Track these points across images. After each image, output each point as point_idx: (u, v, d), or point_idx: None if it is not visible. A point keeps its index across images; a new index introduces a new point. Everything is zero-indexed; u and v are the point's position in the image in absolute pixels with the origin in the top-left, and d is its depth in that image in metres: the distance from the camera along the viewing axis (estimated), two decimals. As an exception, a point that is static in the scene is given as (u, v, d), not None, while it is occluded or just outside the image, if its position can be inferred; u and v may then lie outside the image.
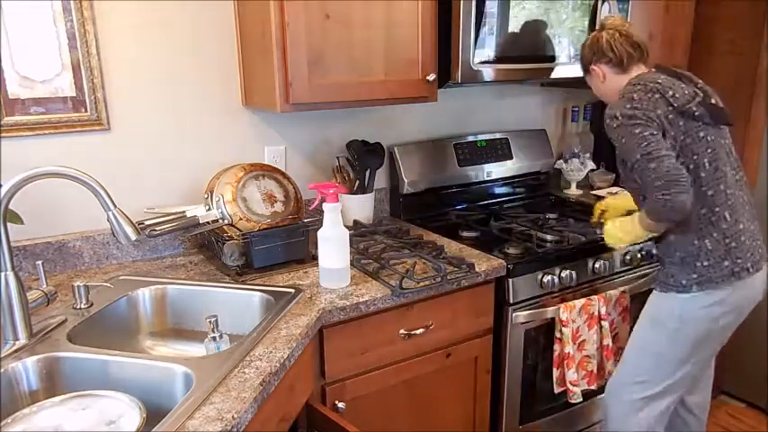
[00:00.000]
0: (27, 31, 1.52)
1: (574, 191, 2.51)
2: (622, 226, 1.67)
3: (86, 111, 1.64)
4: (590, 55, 1.66)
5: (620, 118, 1.50)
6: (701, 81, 1.60)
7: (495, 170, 2.34)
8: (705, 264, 1.54)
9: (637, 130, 1.47)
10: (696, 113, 1.51)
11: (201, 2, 1.74)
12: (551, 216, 2.13)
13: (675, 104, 1.50)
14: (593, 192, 2.49)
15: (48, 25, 1.54)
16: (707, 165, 1.53)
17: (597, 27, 1.70)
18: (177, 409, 1.02)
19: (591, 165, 2.50)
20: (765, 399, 2.52)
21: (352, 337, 1.51)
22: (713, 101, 1.55)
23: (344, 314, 1.45)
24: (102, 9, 1.61)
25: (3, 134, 1.54)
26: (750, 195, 1.63)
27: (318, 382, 1.50)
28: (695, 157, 1.52)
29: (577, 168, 2.47)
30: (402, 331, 1.59)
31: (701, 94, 1.54)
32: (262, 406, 1.11)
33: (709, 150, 1.53)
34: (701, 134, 1.53)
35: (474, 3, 1.73)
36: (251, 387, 1.09)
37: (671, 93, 1.51)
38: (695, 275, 1.55)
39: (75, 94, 1.62)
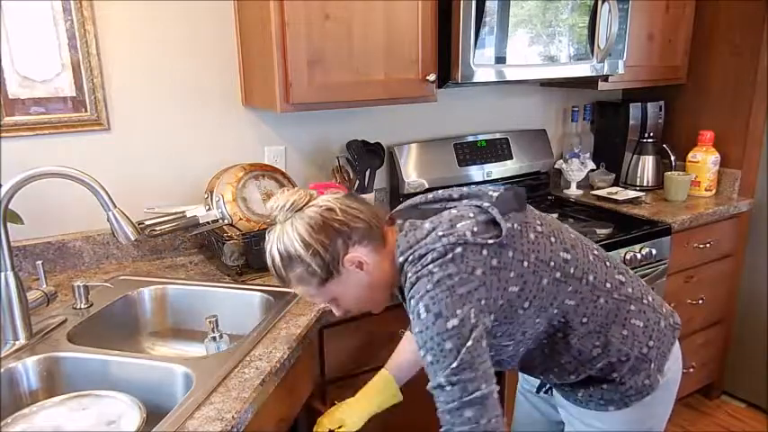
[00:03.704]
0: (27, 31, 1.52)
1: (574, 191, 2.51)
2: None
3: (86, 111, 1.64)
4: (327, 249, 1.04)
5: (424, 319, 1.02)
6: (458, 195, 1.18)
7: (495, 170, 2.34)
8: None
9: (449, 345, 1.02)
10: (512, 223, 1.14)
11: (201, 2, 1.74)
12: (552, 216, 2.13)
13: (491, 241, 1.08)
14: (594, 192, 2.49)
15: (48, 25, 1.54)
16: (563, 261, 1.19)
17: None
18: (177, 409, 1.02)
19: (591, 165, 2.50)
20: (765, 399, 2.52)
21: (352, 336, 1.51)
22: (487, 204, 1.15)
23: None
24: (102, 9, 1.61)
25: (3, 134, 1.54)
26: None
27: (318, 382, 1.50)
28: (552, 265, 1.15)
29: (577, 168, 2.47)
30: (402, 330, 1.59)
31: (485, 207, 1.13)
32: (262, 406, 1.11)
33: (551, 244, 1.21)
34: (531, 238, 1.18)
35: (474, 3, 1.73)
36: (251, 387, 1.09)
37: (469, 233, 1.07)
38: None
39: (75, 94, 1.62)
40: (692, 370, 2.43)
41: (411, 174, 2.14)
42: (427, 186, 2.17)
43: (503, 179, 2.37)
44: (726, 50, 2.39)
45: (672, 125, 2.61)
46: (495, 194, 1.10)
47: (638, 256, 2.02)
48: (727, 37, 2.37)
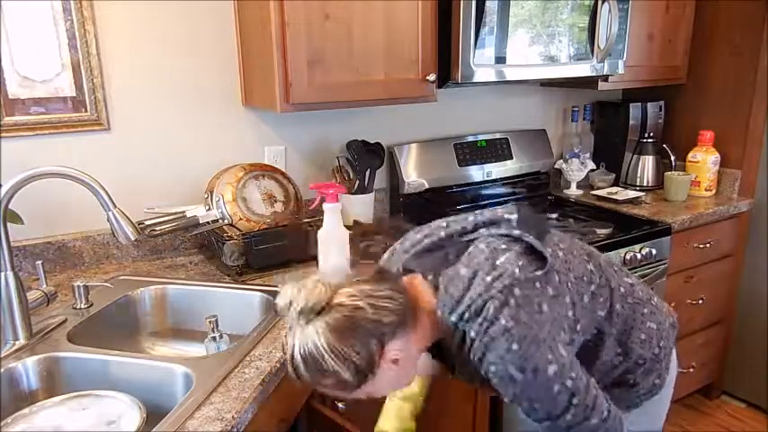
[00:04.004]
0: (27, 31, 1.52)
1: (574, 191, 2.51)
2: None
3: (86, 111, 1.64)
4: (364, 353, 0.91)
5: (522, 379, 0.96)
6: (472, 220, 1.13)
7: (495, 170, 2.34)
8: None
9: (556, 388, 1.00)
10: (550, 245, 1.13)
11: (201, 2, 1.74)
12: (551, 216, 2.13)
13: (539, 273, 1.04)
14: (594, 192, 2.49)
15: (48, 25, 1.54)
16: (591, 273, 1.16)
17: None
18: (177, 409, 1.02)
19: (591, 165, 2.50)
20: (765, 399, 2.52)
21: (352, 337, 1.51)
22: (518, 233, 1.08)
23: (344, 314, 1.44)
24: (102, 9, 1.61)
25: (3, 134, 1.54)
26: None
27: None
28: (586, 280, 1.13)
29: (577, 168, 2.47)
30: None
31: (516, 236, 1.07)
32: (262, 406, 1.11)
33: (580, 259, 1.18)
34: (561, 255, 1.15)
35: (474, 2, 1.73)
36: (251, 387, 1.09)
37: (517, 268, 1.01)
38: None
39: (75, 94, 1.61)
40: (691, 370, 2.43)
41: (411, 174, 2.14)
42: (427, 186, 2.17)
43: (503, 179, 2.37)
44: (726, 50, 2.39)
45: (672, 125, 2.61)
46: (513, 217, 1.04)
47: (638, 256, 2.02)
48: (727, 37, 2.37)
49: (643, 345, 1.13)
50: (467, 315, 0.96)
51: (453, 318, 0.97)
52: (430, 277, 1.02)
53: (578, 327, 1.03)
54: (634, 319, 1.13)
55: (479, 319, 0.94)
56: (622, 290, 1.13)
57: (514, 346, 0.92)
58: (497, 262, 0.97)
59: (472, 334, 0.96)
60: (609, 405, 1.03)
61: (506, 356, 0.93)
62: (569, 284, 1.02)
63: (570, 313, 1.01)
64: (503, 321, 0.93)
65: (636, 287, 1.18)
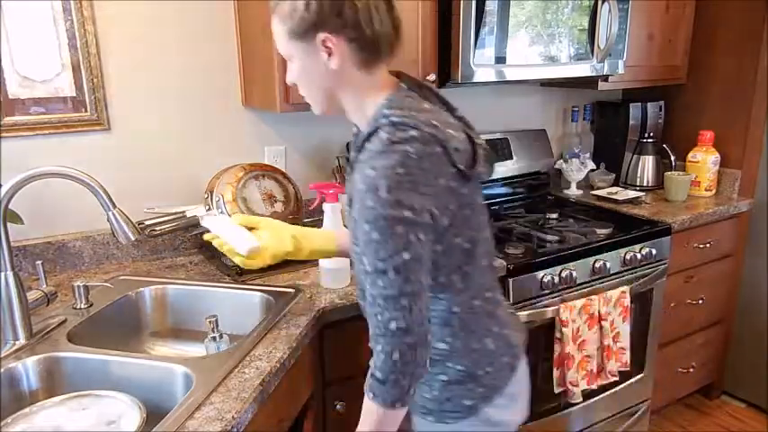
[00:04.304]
0: (27, 31, 1.52)
1: (574, 191, 2.51)
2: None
3: (86, 111, 1.64)
4: (320, 11, 0.96)
5: (383, 198, 0.92)
6: (456, 107, 1.14)
7: (495, 170, 2.33)
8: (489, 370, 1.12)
9: (400, 229, 0.93)
10: (482, 173, 1.09)
11: (202, 2, 1.74)
12: (552, 216, 2.14)
13: (461, 166, 1.01)
14: (594, 192, 2.49)
15: (48, 25, 1.54)
16: (479, 240, 1.08)
17: None
18: (177, 409, 1.02)
19: (591, 165, 2.50)
20: (765, 399, 2.52)
21: (353, 337, 1.51)
22: (479, 141, 1.10)
23: (344, 314, 1.44)
24: (103, 9, 1.61)
25: (3, 134, 1.54)
26: None
27: (318, 382, 1.50)
28: (473, 233, 1.06)
29: (577, 168, 2.47)
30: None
31: (475, 139, 1.09)
32: (262, 406, 1.11)
33: (482, 218, 1.11)
34: (477, 199, 1.09)
35: (474, 3, 1.73)
36: (251, 387, 1.09)
37: (454, 145, 1.00)
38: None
39: (75, 94, 1.62)
40: (691, 370, 2.43)
41: (411, 174, 2.13)
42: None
43: (503, 179, 2.37)
44: (726, 50, 2.39)
45: (672, 125, 2.61)
46: (482, 142, 1.10)
47: (638, 256, 2.02)
48: (727, 37, 2.37)
49: (469, 354, 1.09)
50: (394, 120, 0.97)
51: (386, 111, 0.99)
52: (404, 84, 1.10)
53: (438, 247, 1.00)
54: (477, 325, 1.10)
55: (398, 131, 0.96)
56: (488, 294, 1.12)
57: (399, 170, 0.93)
58: (448, 130, 1.00)
59: (382, 134, 0.97)
60: (426, 307, 0.98)
61: (388, 171, 0.92)
62: (465, 211, 1.03)
63: (446, 222, 0.99)
64: (409, 147, 0.94)
65: (502, 306, 1.16)
